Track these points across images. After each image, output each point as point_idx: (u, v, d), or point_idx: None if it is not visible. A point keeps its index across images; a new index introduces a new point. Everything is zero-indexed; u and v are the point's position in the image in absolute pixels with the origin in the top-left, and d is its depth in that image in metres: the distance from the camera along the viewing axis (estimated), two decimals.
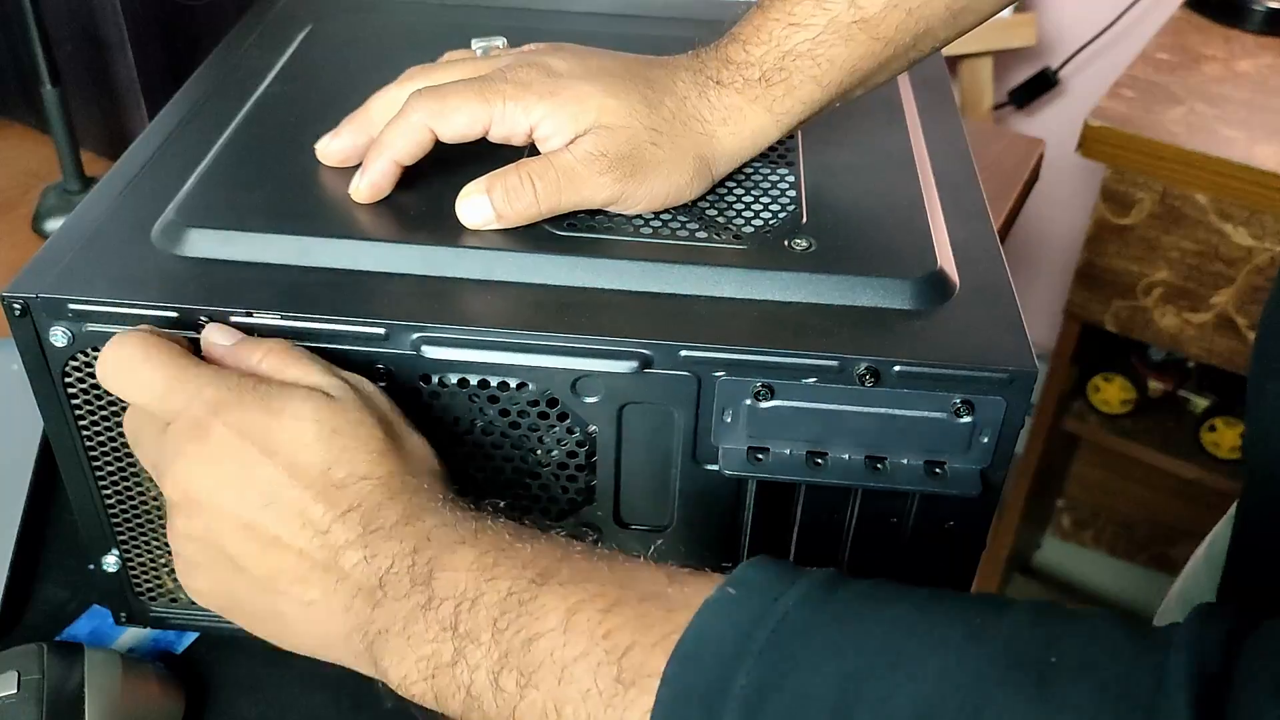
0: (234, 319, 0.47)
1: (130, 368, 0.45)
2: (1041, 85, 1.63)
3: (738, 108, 0.53)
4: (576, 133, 0.51)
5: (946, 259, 0.52)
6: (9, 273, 0.49)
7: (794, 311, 0.49)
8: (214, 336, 0.47)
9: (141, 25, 0.86)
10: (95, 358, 0.48)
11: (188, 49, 0.89)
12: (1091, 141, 1.28)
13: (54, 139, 0.85)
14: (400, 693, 0.41)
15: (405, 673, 0.40)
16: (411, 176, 0.55)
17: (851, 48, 0.52)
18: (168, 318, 0.47)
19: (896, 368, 0.46)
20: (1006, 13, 1.51)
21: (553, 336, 0.47)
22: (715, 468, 0.50)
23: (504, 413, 0.49)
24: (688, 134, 0.53)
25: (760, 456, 0.49)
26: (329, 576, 0.42)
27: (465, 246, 0.50)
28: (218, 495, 0.43)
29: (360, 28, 0.70)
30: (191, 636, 0.60)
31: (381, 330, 0.47)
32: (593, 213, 0.53)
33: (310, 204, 0.53)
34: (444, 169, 0.55)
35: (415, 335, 0.47)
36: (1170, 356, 1.63)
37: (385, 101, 0.55)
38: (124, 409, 0.50)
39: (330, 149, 0.56)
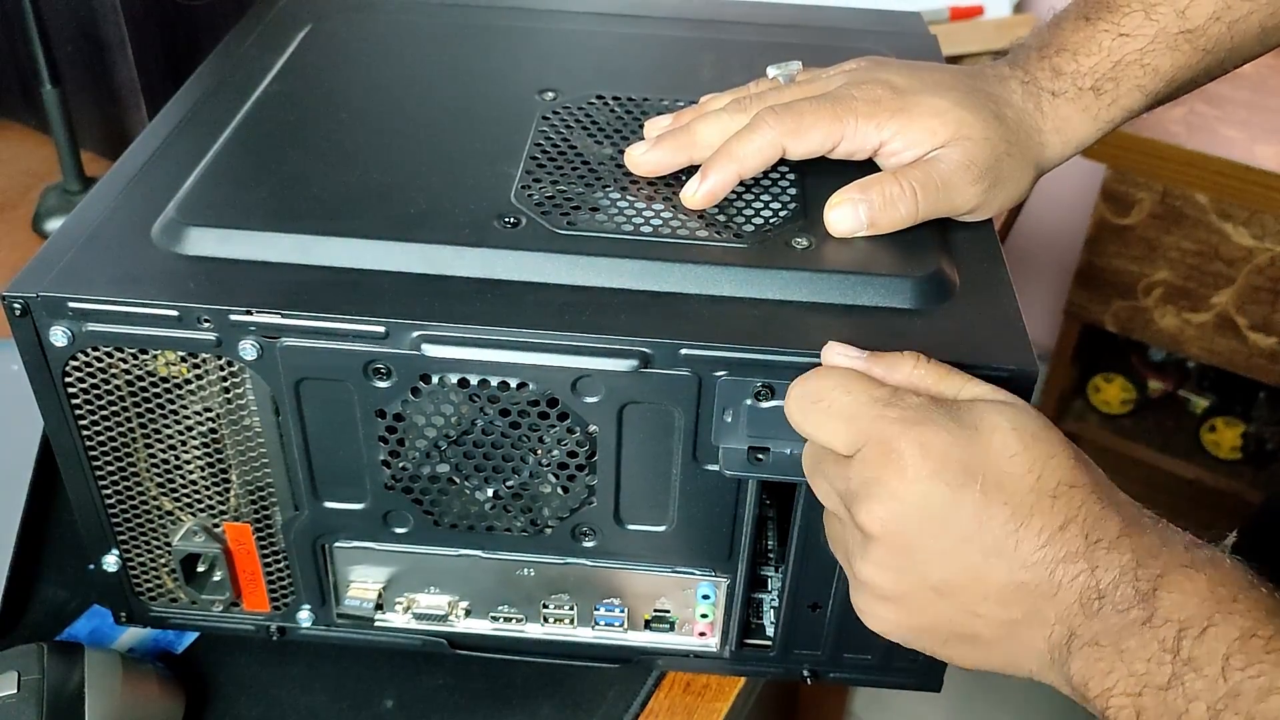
0: (234, 316, 0.47)
1: (819, 402, 0.43)
2: None
3: (1068, 117, 0.55)
4: (933, 146, 0.52)
5: (946, 258, 0.52)
6: (9, 273, 0.48)
7: (794, 310, 0.49)
8: (835, 357, 0.45)
9: (141, 25, 0.86)
10: (95, 357, 0.48)
11: (188, 49, 0.89)
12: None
13: (54, 139, 0.85)
14: (1094, 707, 0.39)
15: (1109, 686, 0.39)
16: (411, 175, 0.55)
17: (1176, 57, 0.54)
18: (168, 316, 0.47)
19: None
20: (1006, 12, 1.51)
21: (553, 335, 0.46)
22: (715, 468, 0.50)
23: (504, 412, 0.49)
24: (1030, 144, 0.54)
25: (760, 457, 0.49)
26: (1039, 594, 0.40)
27: (465, 245, 0.50)
28: (924, 526, 0.41)
29: (360, 27, 0.70)
30: (191, 636, 0.60)
31: (382, 329, 0.47)
32: (593, 210, 0.53)
33: (310, 202, 0.53)
34: (442, 167, 0.55)
35: (415, 334, 0.47)
36: (1170, 356, 1.63)
37: (714, 126, 0.55)
38: (123, 409, 0.50)
39: (645, 159, 0.55)
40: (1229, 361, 1.37)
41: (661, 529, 0.52)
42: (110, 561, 0.55)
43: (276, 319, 0.47)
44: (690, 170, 0.54)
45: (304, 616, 0.57)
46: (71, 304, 0.47)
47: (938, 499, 0.40)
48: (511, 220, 0.52)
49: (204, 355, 0.49)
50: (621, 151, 0.56)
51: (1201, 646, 0.37)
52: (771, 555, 0.57)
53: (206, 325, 0.47)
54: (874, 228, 0.52)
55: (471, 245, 0.50)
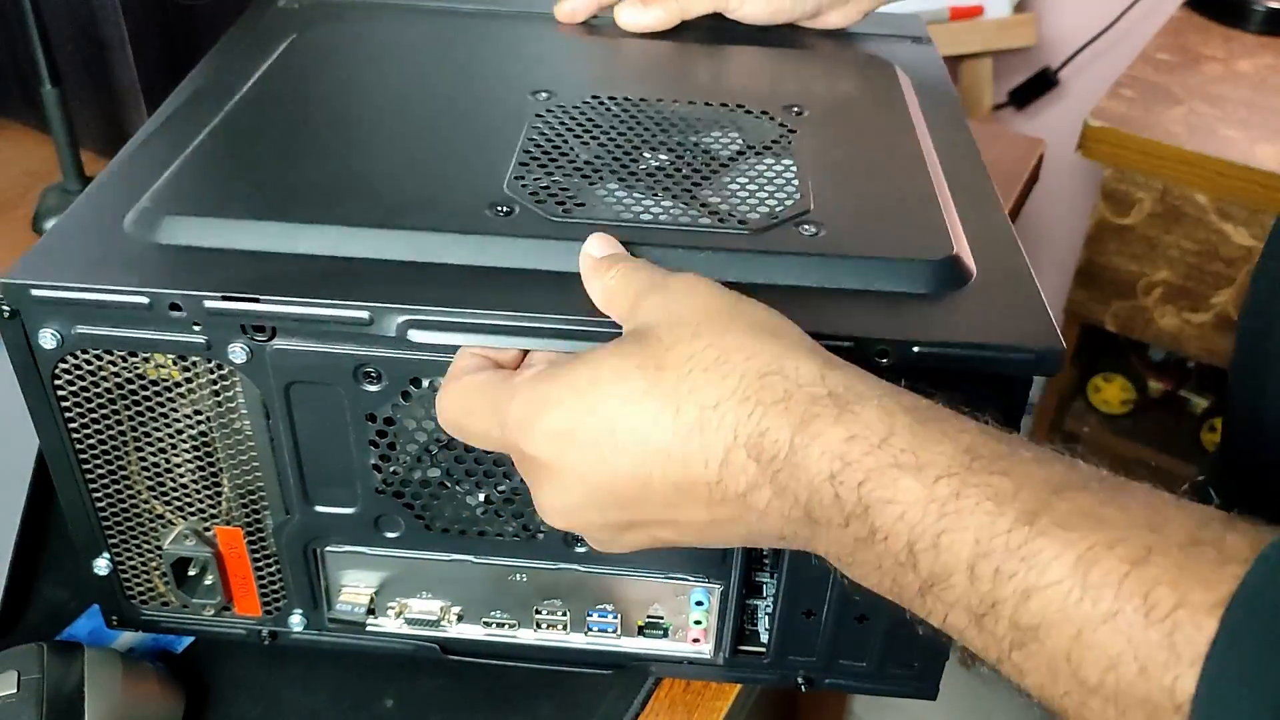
0: (209, 303, 0.45)
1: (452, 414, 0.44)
2: (1041, 85, 1.62)
3: None
4: None
5: (962, 246, 0.50)
6: None
7: (806, 296, 0.47)
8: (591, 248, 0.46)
9: (141, 25, 0.86)
10: (85, 359, 0.48)
11: (188, 49, 0.89)
12: (1091, 141, 1.28)
13: (54, 139, 0.85)
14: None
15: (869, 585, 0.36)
16: (400, 166, 0.54)
17: None
18: (138, 304, 0.46)
19: (915, 348, 0.45)
20: (1006, 12, 1.51)
21: (546, 319, 0.45)
22: None
23: None
24: None
25: None
26: (746, 519, 0.37)
27: (455, 233, 0.49)
28: (598, 516, 0.41)
29: (352, 32, 0.69)
30: (190, 637, 0.60)
31: (365, 314, 0.45)
32: (591, 199, 0.52)
33: (293, 191, 0.51)
34: (433, 161, 0.55)
35: (401, 319, 0.45)
36: (1170, 356, 1.63)
37: None
38: (113, 412, 0.50)
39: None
40: (1229, 361, 1.37)
41: None
42: (101, 565, 0.55)
43: (253, 305, 0.45)
44: (692, 172, 0.54)
45: (296, 621, 0.56)
46: (35, 291, 0.46)
47: (590, 487, 0.40)
48: (504, 209, 0.50)
49: (194, 358, 0.48)
50: (620, 150, 0.55)
51: (939, 560, 0.33)
52: (766, 561, 0.56)
53: (196, 328, 0.46)
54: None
55: (462, 232, 0.49)
